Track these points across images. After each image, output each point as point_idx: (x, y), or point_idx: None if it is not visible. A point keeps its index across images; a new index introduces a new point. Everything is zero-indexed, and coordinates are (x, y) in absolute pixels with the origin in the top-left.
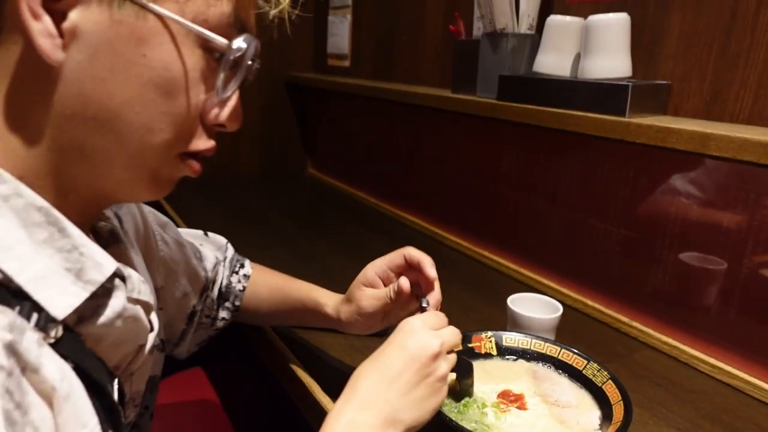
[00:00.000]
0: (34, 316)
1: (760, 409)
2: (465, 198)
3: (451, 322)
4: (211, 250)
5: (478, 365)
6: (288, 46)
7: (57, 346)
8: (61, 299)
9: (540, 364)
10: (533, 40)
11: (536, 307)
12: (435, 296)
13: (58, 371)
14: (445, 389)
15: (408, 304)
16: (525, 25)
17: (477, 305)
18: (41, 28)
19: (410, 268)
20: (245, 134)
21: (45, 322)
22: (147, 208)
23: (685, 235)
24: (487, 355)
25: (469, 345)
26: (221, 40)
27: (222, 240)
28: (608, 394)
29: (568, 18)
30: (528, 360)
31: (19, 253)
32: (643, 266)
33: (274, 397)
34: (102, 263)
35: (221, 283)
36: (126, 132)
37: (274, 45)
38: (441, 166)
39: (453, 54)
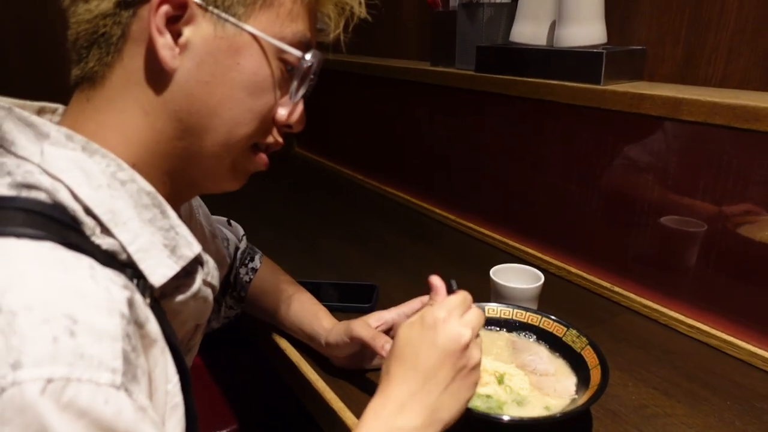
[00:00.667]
0: (135, 282)
1: (736, 366)
2: (448, 170)
3: None
4: (233, 239)
5: None
6: None
7: (151, 310)
8: (159, 270)
9: (522, 334)
10: (510, 9)
11: (519, 278)
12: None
13: (158, 329)
14: (478, 375)
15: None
16: None
17: (461, 277)
18: (164, 42)
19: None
20: None
21: (143, 289)
22: None
23: (664, 200)
24: None
25: None
26: (296, 52)
27: (240, 231)
28: (587, 360)
29: None
30: (510, 330)
31: (131, 227)
32: (624, 231)
33: (276, 387)
34: (191, 243)
35: (233, 274)
36: (218, 125)
37: None
38: (423, 140)
39: (431, 26)
